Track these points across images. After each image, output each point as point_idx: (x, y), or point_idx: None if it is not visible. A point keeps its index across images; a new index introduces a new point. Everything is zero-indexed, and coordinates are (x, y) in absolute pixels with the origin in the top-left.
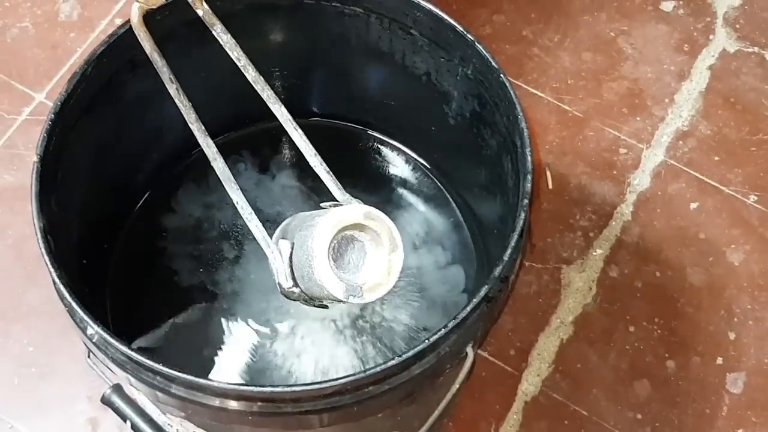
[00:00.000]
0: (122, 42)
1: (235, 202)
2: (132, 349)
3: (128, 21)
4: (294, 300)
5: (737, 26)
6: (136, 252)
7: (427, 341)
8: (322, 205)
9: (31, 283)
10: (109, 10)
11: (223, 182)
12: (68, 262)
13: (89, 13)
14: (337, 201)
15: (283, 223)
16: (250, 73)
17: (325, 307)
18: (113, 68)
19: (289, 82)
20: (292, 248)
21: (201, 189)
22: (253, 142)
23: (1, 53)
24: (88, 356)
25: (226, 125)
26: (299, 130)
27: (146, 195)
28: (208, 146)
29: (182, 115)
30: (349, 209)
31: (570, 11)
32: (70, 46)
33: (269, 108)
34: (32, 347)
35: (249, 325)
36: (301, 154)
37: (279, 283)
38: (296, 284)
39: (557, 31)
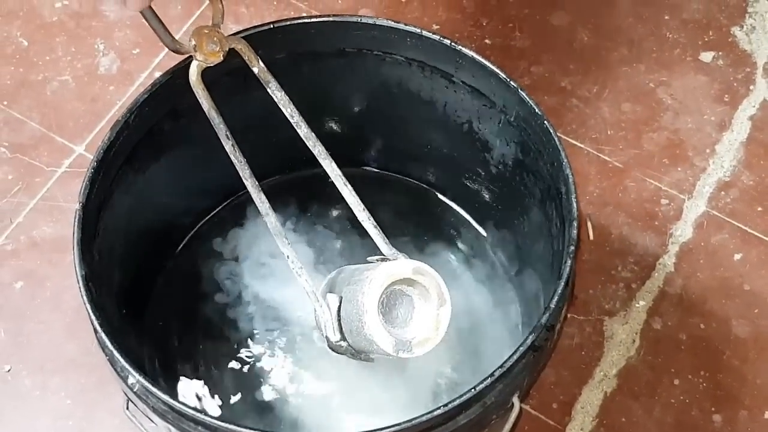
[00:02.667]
0: (164, 91)
1: (285, 257)
2: (174, 399)
3: (170, 71)
4: (341, 353)
5: None
6: (175, 301)
7: (473, 390)
8: (369, 259)
9: (69, 335)
10: (148, 63)
11: (274, 237)
12: (108, 311)
13: (128, 67)
14: (383, 255)
15: (329, 276)
16: (302, 129)
17: (371, 360)
18: (155, 117)
19: (328, 131)
20: (340, 302)
21: (241, 236)
22: (294, 190)
23: (41, 106)
24: (127, 407)
25: (265, 172)
26: (349, 186)
27: (186, 242)
28: (261, 202)
29: (228, 164)
30: (398, 264)
31: (608, 62)
32: (109, 99)
33: (308, 156)
34: (70, 399)
35: (292, 374)
36: (342, 202)
37: (327, 337)
38: (344, 338)
39: (596, 82)
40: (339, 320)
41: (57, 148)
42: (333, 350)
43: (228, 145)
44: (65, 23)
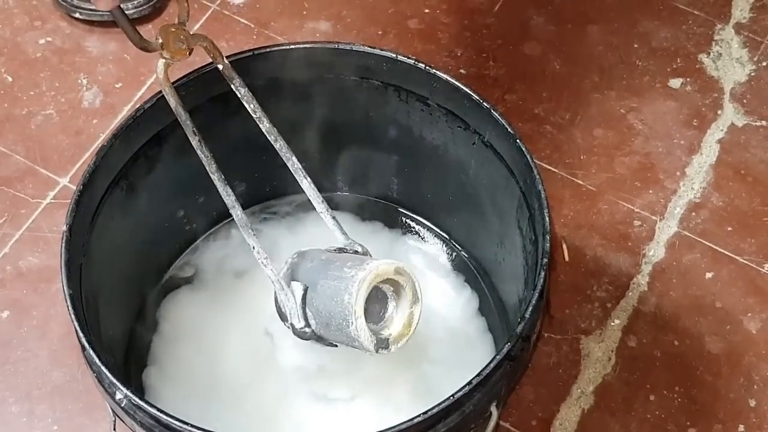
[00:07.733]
0: (149, 116)
1: (251, 247)
2: (161, 411)
3: (153, 97)
4: (305, 339)
5: (744, 101)
6: (163, 323)
7: (452, 398)
8: (328, 248)
9: (55, 362)
10: (130, 97)
11: (240, 228)
12: (96, 331)
13: (112, 101)
14: (341, 246)
15: (290, 262)
16: (264, 124)
17: (335, 346)
18: (140, 142)
19: (310, 156)
20: (305, 291)
21: (230, 258)
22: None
23: (26, 139)
24: (113, 429)
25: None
26: (308, 179)
27: (175, 264)
28: (227, 194)
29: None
30: (383, 264)
31: (580, 90)
32: (93, 132)
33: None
34: (56, 425)
35: (273, 388)
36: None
37: (291, 324)
38: (308, 324)
39: (568, 109)
40: (304, 308)
41: (42, 180)
42: (298, 336)
43: (195, 141)
44: (49, 59)
